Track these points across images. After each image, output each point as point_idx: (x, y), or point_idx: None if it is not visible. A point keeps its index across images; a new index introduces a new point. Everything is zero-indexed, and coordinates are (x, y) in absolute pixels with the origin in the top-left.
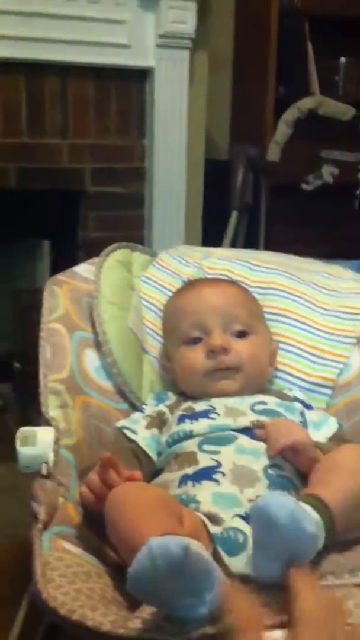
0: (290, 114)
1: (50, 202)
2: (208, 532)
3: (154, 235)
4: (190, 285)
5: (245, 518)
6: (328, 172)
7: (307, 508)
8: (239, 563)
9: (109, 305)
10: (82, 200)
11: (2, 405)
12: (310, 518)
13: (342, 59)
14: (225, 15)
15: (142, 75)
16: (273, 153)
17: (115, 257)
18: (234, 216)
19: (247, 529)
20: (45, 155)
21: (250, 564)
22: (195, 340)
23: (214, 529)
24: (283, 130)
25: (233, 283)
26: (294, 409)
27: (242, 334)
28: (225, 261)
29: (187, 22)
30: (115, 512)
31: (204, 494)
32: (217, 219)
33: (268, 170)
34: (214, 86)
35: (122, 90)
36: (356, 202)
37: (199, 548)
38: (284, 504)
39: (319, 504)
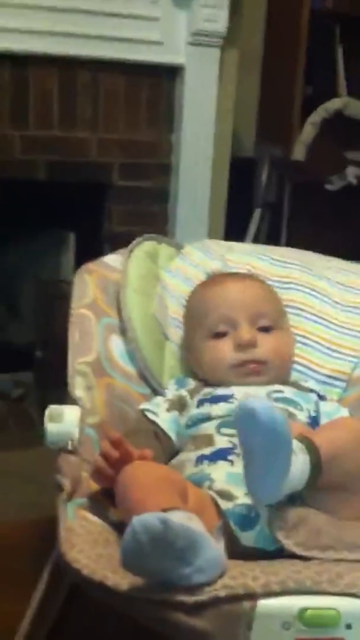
0: (317, 115)
1: (77, 195)
2: (219, 508)
3: (177, 230)
4: (216, 279)
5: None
6: (352, 174)
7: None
8: (250, 536)
9: (135, 294)
10: (108, 194)
11: (23, 393)
12: (289, 431)
13: None
14: (257, 14)
15: (172, 72)
16: (298, 152)
17: (142, 249)
18: (257, 213)
19: (260, 509)
20: (75, 148)
21: (261, 538)
22: (222, 334)
23: (226, 505)
24: (309, 130)
25: (257, 279)
26: (309, 399)
27: (267, 329)
28: (247, 255)
29: (218, 20)
30: (122, 489)
31: (219, 472)
32: (241, 216)
33: (293, 169)
34: (243, 84)
35: (152, 86)
36: None
37: (183, 519)
38: (267, 406)
39: (306, 441)
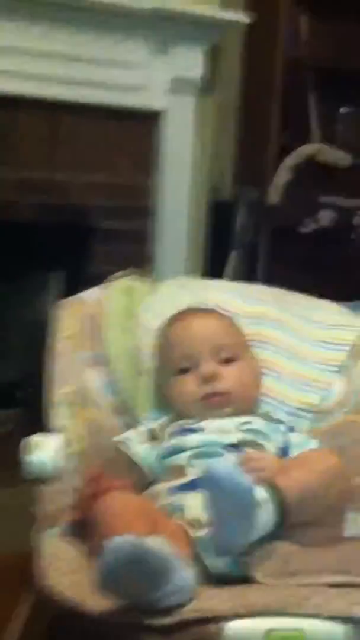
0: (291, 159)
1: (62, 236)
2: (189, 537)
3: (158, 270)
4: (178, 317)
5: None
6: (325, 217)
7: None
8: (219, 563)
9: (112, 327)
10: (92, 236)
11: (10, 431)
12: (248, 480)
13: (342, 109)
14: (234, 61)
15: (152, 117)
16: (273, 196)
17: (119, 284)
18: (233, 255)
19: None
20: (58, 190)
21: (230, 564)
22: (186, 370)
23: (196, 532)
24: (283, 174)
25: (218, 314)
26: (277, 430)
27: (229, 361)
28: (220, 292)
29: (196, 67)
30: (98, 517)
31: (190, 502)
32: (219, 259)
33: (268, 213)
34: (221, 129)
35: (133, 130)
36: (350, 248)
37: (153, 543)
38: (225, 466)
39: (272, 490)
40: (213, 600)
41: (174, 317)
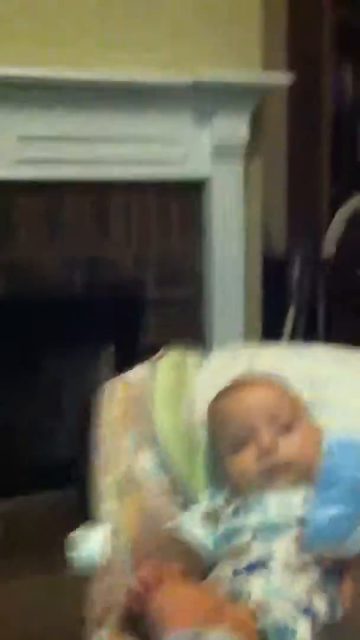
0: (345, 212)
1: (112, 310)
2: (256, 625)
3: (214, 335)
4: (228, 390)
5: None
6: None
7: None
8: None
9: (161, 405)
10: (144, 307)
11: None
12: None
13: None
14: (279, 118)
15: (199, 186)
16: (328, 249)
17: (167, 360)
18: (291, 312)
19: (298, 621)
20: (111, 264)
21: None
22: (244, 444)
23: (264, 620)
24: (337, 226)
25: (269, 382)
26: None
27: (287, 430)
28: (274, 360)
29: (240, 133)
30: (156, 611)
31: (255, 585)
32: (276, 318)
33: (324, 266)
34: (270, 187)
35: (180, 200)
36: None
37: (215, 637)
38: None
39: None
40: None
41: (224, 390)
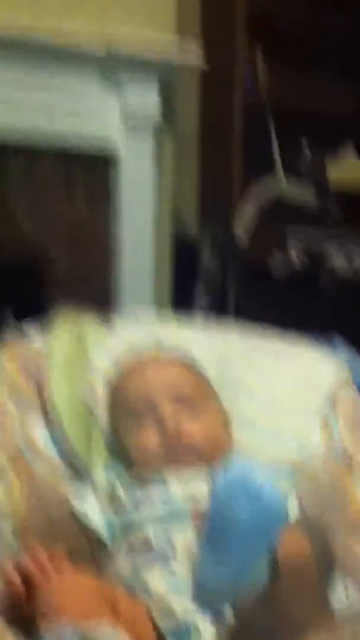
0: (256, 198)
1: (19, 282)
2: (155, 623)
3: (123, 314)
4: (134, 364)
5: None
6: (295, 253)
7: None
8: None
9: (59, 374)
10: (48, 279)
11: None
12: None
13: (307, 149)
14: (191, 100)
15: (108, 159)
16: (240, 232)
17: (68, 326)
18: (200, 293)
19: (200, 620)
20: (15, 234)
21: None
22: (145, 420)
23: (163, 621)
24: (249, 209)
25: (181, 358)
26: None
27: (192, 410)
28: (182, 333)
29: (151, 107)
30: (45, 598)
31: (155, 580)
32: (186, 299)
33: (235, 249)
34: (181, 169)
35: (88, 173)
36: (322, 286)
37: (103, 635)
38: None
39: None
40: None
41: (127, 365)
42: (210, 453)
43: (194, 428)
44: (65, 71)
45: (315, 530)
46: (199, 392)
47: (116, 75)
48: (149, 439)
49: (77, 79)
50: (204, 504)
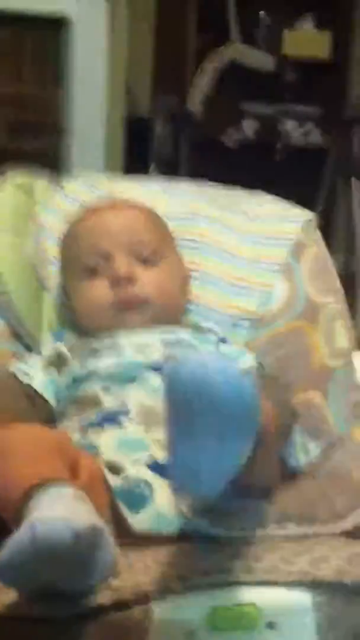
0: (212, 63)
1: None
2: (107, 484)
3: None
4: (89, 209)
5: (153, 467)
6: (249, 126)
7: None
8: (143, 519)
9: (5, 234)
10: None
11: None
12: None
13: (262, 13)
14: None
15: (58, 23)
16: (194, 102)
17: (13, 182)
18: (152, 169)
19: (153, 479)
20: None
21: (156, 518)
22: (97, 271)
23: (115, 480)
24: (204, 78)
25: (138, 205)
26: (208, 342)
27: (148, 261)
28: (137, 187)
29: None
30: None
31: (107, 440)
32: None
33: (189, 121)
34: (135, 36)
35: (37, 38)
36: (277, 155)
37: (91, 529)
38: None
39: None
40: (136, 573)
41: (83, 211)
42: (164, 307)
43: (148, 279)
44: None
45: (279, 388)
46: (157, 240)
47: None
48: (99, 290)
49: None
50: (155, 355)
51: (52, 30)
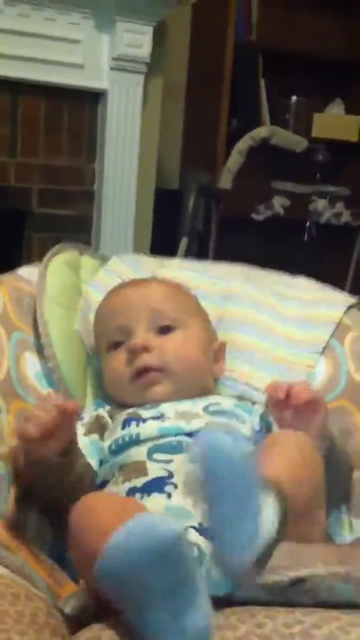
0: (244, 143)
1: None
2: None
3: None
4: (114, 288)
5: (199, 530)
6: (279, 204)
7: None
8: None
9: (54, 306)
10: (27, 222)
11: None
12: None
13: (294, 97)
14: (181, 43)
15: (95, 97)
16: (225, 180)
17: (62, 259)
18: (183, 243)
19: (201, 541)
20: None
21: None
22: (119, 344)
23: None
24: (236, 158)
25: (161, 280)
26: (252, 411)
27: (167, 330)
28: (180, 270)
29: (142, 46)
30: (80, 517)
31: (153, 507)
32: (167, 248)
33: (219, 198)
34: (167, 113)
35: (74, 110)
36: (305, 235)
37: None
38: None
39: (273, 486)
40: None
41: (111, 289)
42: (182, 374)
43: (163, 345)
44: (56, 2)
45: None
46: (176, 309)
47: (108, 9)
48: (118, 362)
49: (67, 11)
50: (200, 423)
51: (90, 101)
